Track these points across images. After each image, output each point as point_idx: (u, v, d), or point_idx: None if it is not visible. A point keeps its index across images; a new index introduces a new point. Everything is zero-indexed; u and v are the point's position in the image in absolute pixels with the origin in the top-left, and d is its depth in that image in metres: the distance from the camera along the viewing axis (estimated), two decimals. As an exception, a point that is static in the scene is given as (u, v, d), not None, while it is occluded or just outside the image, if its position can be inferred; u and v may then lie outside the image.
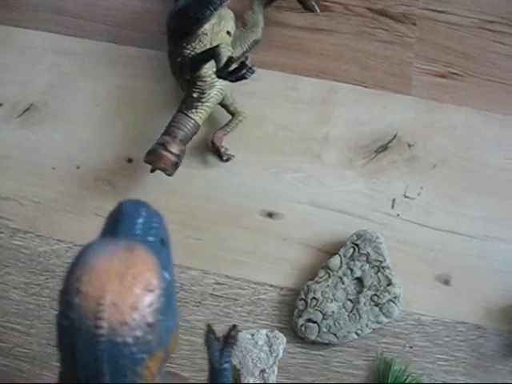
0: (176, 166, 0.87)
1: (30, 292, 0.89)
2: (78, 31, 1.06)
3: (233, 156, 0.94)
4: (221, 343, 0.66)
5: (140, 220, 0.47)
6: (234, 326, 0.67)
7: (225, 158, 0.94)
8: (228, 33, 0.96)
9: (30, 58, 1.05)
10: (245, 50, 0.99)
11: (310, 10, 0.98)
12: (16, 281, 0.90)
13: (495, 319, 0.87)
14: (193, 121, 0.90)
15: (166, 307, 0.44)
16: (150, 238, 0.47)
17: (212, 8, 0.92)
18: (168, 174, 0.87)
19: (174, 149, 0.86)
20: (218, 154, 0.94)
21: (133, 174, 0.95)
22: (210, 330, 0.66)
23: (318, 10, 0.98)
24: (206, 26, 0.92)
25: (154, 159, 0.86)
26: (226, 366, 0.64)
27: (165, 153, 0.86)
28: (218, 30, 0.94)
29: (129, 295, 0.41)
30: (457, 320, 0.87)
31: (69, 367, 0.44)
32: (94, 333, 0.41)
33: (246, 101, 0.99)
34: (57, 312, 0.43)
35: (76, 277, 0.42)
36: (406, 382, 0.83)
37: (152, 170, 0.90)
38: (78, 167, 0.96)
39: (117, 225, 0.47)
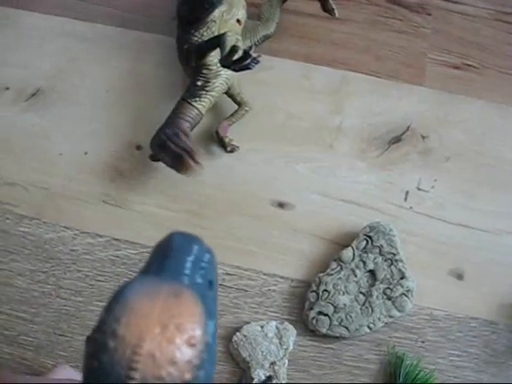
0: None
1: (35, 279, 0.87)
2: (86, 15, 1.04)
3: (237, 147, 0.93)
4: None
5: (190, 258, 0.44)
6: (270, 377, 0.64)
7: (229, 148, 0.92)
8: (238, 21, 0.94)
9: (37, 41, 1.03)
10: (254, 43, 0.97)
11: (329, 13, 0.96)
12: (21, 268, 0.88)
13: (508, 315, 0.85)
14: (196, 110, 0.88)
15: (206, 362, 0.40)
16: (199, 280, 0.43)
17: None
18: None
19: (200, 159, 0.83)
20: (222, 144, 0.93)
21: (141, 161, 0.93)
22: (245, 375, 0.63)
23: (337, 15, 0.95)
24: (216, 13, 0.90)
25: (176, 164, 0.84)
26: None
27: (191, 163, 0.83)
28: (228, 18, 0.92)
29: (169, 347, 0.37)
30: (469, 315, 0.85)
31: None
32: (125, 383, 0.37)
33: (257, 89, 0.97)
34: (86, 348, 0.40)
35: (114, 317, 0.39)
36: (418, 377, 0.82)
37: (155, 160, 0.88)
38: (85, 153, 0.95)
39: (165, 260, 0.44)
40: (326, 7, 0.95)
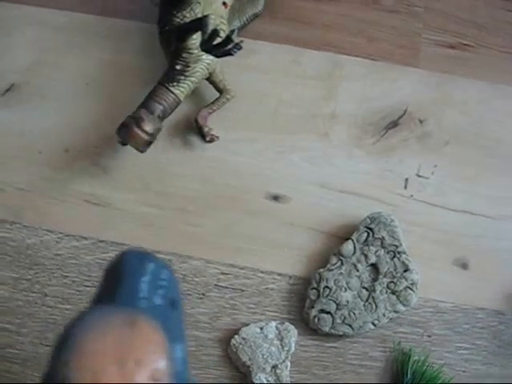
0: (149, 143, 0.81)
1: (19, 288, 0.82)
2: (60, 3, 0.98)
3: (217, 137, 0.88)
4: None
5: (146, 278, 0.40)
6: None
7: (208, 138, 0.87)
8: (224, 3, 0.89)
9: (8, 32, 0.96)
10: (242, 23, 0.93)
11: None
12: (3, 276, 0.82)
13: (516, 304, 0.82)
14: (173, 95, 0.82)
15: None
16: (158, 301, 0.39)
17: None
18: (140, 151, 0.81)
19: (148, 126, 0.79)
20: (202, 133, 0.87)
21: (125, 157, 0.88)
22: None
23: None
24: None
25: (126, 135, 0.80)
26: None
27: (137, 130, 0.79)
28: (213, 1, 0.87)
29: None
30: (476, 306, 0.82)
31: None
32: None
33: (245, 75, 0.92)
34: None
35: (63, 361, 0.34)
36: (426, 373, 0.78)
37: (122, 144, 0.84)
38: (66, 150, 0.89)
39: (117, 284, 0.39)
40: None
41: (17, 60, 0.94)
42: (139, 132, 0.79)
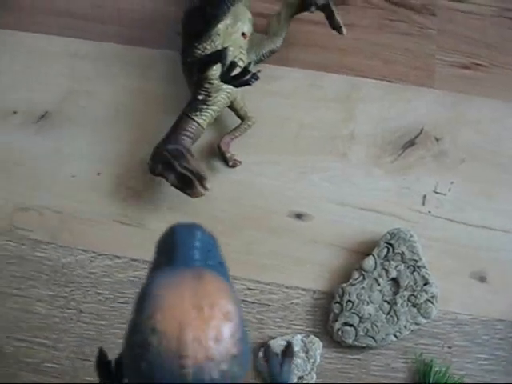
0: None
1: (55, 305, 0.86)
2: (89, 34, 1.03)
3: (239, 162, 0.92)
4: (279, 358, 0.64)
5: (196, 244, 0.44)
6: (290, 343, 0.67)
7: (231, 163, 0.92)
8: (243, 34, 0.93)
9: (40, 63, 1.01)
10: (259, 58, 0.96)
11: (337, 30, 0.94)
12: (40, 294, 0.87)
13: (533, 315, 0.85)
14: (196, 124, 0.87)
15: (244, 336, 0.41)
16: (210, 262, 0.44)
17: (229, 4, 0.89)
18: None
19: (208, 184, 0.84)
20: (225, 159, 0.92)
21: (154, 179, 0.92)
22: (268, 348, 0.63)
23: (344, 33, 0.93)
24: (220, 26, 0.90)
25: (188, 188, 0.84)
26: (287, 379, 0.63)
27: (200, 188, 0.83)
28: (233, 31, 0.91)
29: (210, 327, 0.38)
30: (495, 318, 0.85)
31: None
32: (180, 373, 0.37)
33: (267, 100, 0.96)
34: (126, 354, 0.40)
35: (148, 315, 0.39)
36: (448, 383, 0.81)
37: (156, 175, 0.87)
38: (98, 174, 0.94)
39: (172, 253, 0.44)
40: (334, 24, 0.93)
41: (50, 89, 0.99)
42: (200, 188, 0.83)
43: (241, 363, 0.39)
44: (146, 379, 0.38)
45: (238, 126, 0.92)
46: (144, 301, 0.40)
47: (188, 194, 0.85)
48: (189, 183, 0.84)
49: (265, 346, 0.65)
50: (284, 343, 0.81)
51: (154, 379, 0.38)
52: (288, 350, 0.65)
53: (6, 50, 1.02)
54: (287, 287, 0.86)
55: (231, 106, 0.91)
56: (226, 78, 0.84)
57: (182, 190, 0.85)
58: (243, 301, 0.85)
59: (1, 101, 0.99)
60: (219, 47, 0.88)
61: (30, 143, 0.96)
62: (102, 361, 0.60)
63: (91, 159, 0.94)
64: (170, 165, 0.84)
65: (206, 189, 0.84)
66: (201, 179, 0.83)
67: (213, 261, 0.44)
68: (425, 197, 0.91)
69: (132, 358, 0.39)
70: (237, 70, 0.83)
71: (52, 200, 0.92)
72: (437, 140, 0.94)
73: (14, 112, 0.98)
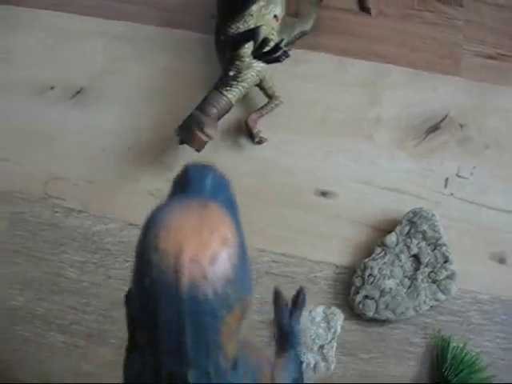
0: (205, 144, 0.89)
1: (85, 270, 0.90)
2: (125, 15, 1.07)
3: (265, 139, 0.94)
4: (289, 307, 0.66)
5: (208, 180, 0.47)
6: (302, 289, 0.67)
7: (257, 139, 0.94)
8: (275, 17, 0.96)
9: (76, 42, 1.05)
10: (291, 39, 0.99)
11: (366, 11, 0.97)
12: (72, 259, 0.90)
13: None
14: (226, 98, 0.90)
15: (242, 264, 0.44)
16: (219, 198, 0.46)
17: None
18: (197, 151, 0.88)
19: (209, 130, 0.87)
20: (251, 135, 0.95)
21: (184, 155, 0.95)
22: (278, 294, 0.66)
23: (372, 13, 0.97)
24: (254, 7, 0.93)
25: (189, 139, 0.87)
26: (296, 328, 0.64)
27: (200, 134, 0.86)
28: (265, 13, 0.95)
29: (207, 250, 0.41)
30: (514, 298, 0.87)
31: (147, 331, 0.43)
32: (176, 289, 0.40)
33: (295, 82, 0.99)
34: (134, 275, 0.43)
35: (153, 234, 0.42)
36: (465, 359, 0.82)
37: (181, 143, 0.90)
38: (128, 148, 0.97)
39: (185, 187, 0.47)
40: (364, 5, 0.96)
41: (86, 66, 1.03)
42: (200, 135, 0.87)
43: (236, 288, 0.42)
44: (147, 295, 0.42)
45: (266, 105, 0.95)
46: (152, 222, 0.43)
47: (193, 146, 0.87)
48: (192, 133, 0.87)
49: (274, 292, 0.66)
50: (306, 314, 0.84)
51: (154, 294, 0.41)
52: (299, 298, 0.66)
53: (39, 29, 1.06)
54: (311, 261, 0.88)
55: (260, 85, 0.94)
56: (257, 53, 0.87)
57: (188, 144, 0.88)
58: (267, 272, 0.88)
59: (38, 76, 1.02)
60: (252, 27, 0.92)
61: (65, 117, 0.99)
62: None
63: (122, 134, 0.98)
64: (183, 124, 0.88)
65: (207, 136, 0.86)
66: (200, 125, 0.86)
67: (223, 197, 0.47)
68: (447, 179, 0.93)
69: (137, 276, 0.43)
70: (268, 47, 0.86)
71: (84, 171, 0.96)
72: (461, 126, 0.96)
73: (52, 87, 1.02)
